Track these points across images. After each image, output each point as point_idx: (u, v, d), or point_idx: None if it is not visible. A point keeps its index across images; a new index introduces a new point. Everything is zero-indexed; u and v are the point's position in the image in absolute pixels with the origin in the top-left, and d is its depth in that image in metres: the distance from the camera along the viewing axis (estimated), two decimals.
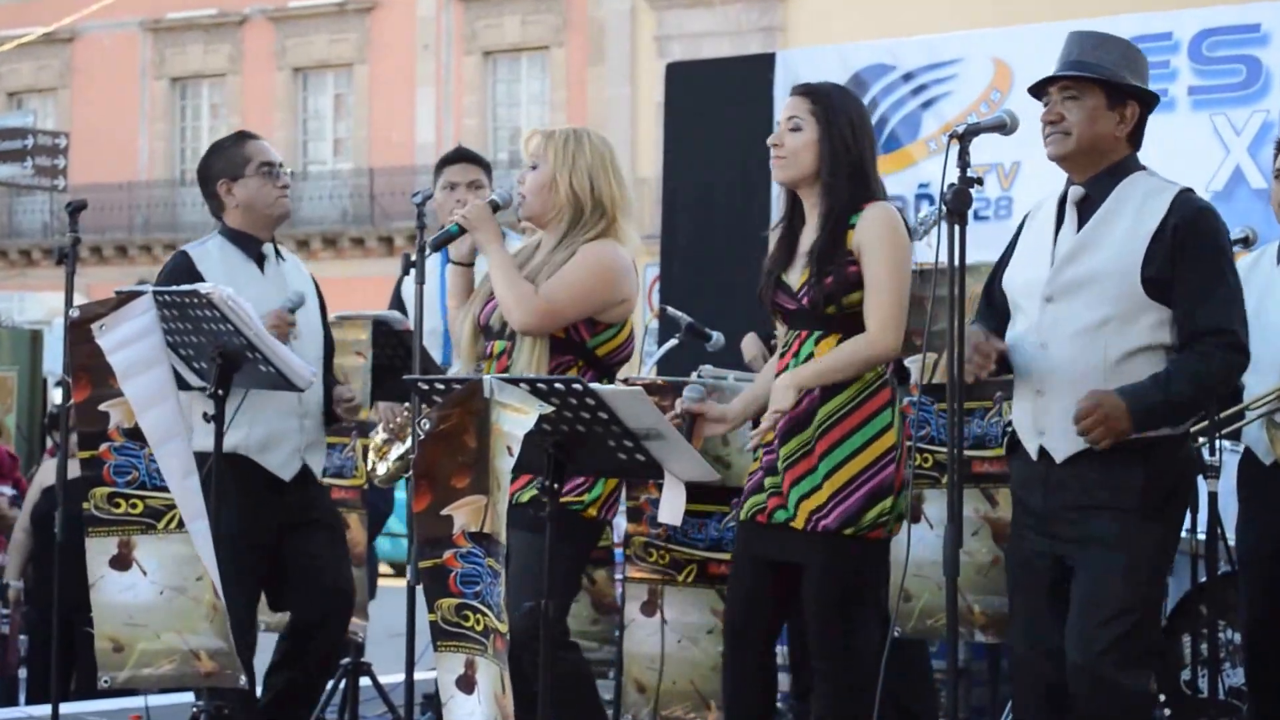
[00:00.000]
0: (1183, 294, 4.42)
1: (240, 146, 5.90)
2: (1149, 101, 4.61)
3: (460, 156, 6.84)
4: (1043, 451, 4.54)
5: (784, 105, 4.94)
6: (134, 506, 5.42)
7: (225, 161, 5.89)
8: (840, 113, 4.87)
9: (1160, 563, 4.56)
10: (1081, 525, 4.46)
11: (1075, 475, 4.47)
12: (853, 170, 4.85)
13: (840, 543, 4.73)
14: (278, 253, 5.97)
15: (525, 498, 4.94)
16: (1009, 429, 4.72)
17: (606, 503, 5.04)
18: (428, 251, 5.43)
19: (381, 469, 6.24)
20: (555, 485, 4.48)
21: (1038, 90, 4.64)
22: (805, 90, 4.93)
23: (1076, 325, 4.48)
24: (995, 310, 4.77)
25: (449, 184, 6.68)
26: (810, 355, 4.80)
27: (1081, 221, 4.54)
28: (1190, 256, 4.42)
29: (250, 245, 5.91)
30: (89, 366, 5.36)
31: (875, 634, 4.85)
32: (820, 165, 4.85)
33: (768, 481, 4.83)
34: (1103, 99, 4.54)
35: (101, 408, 5.39)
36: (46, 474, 9.99)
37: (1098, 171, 4.55)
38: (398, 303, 6.79)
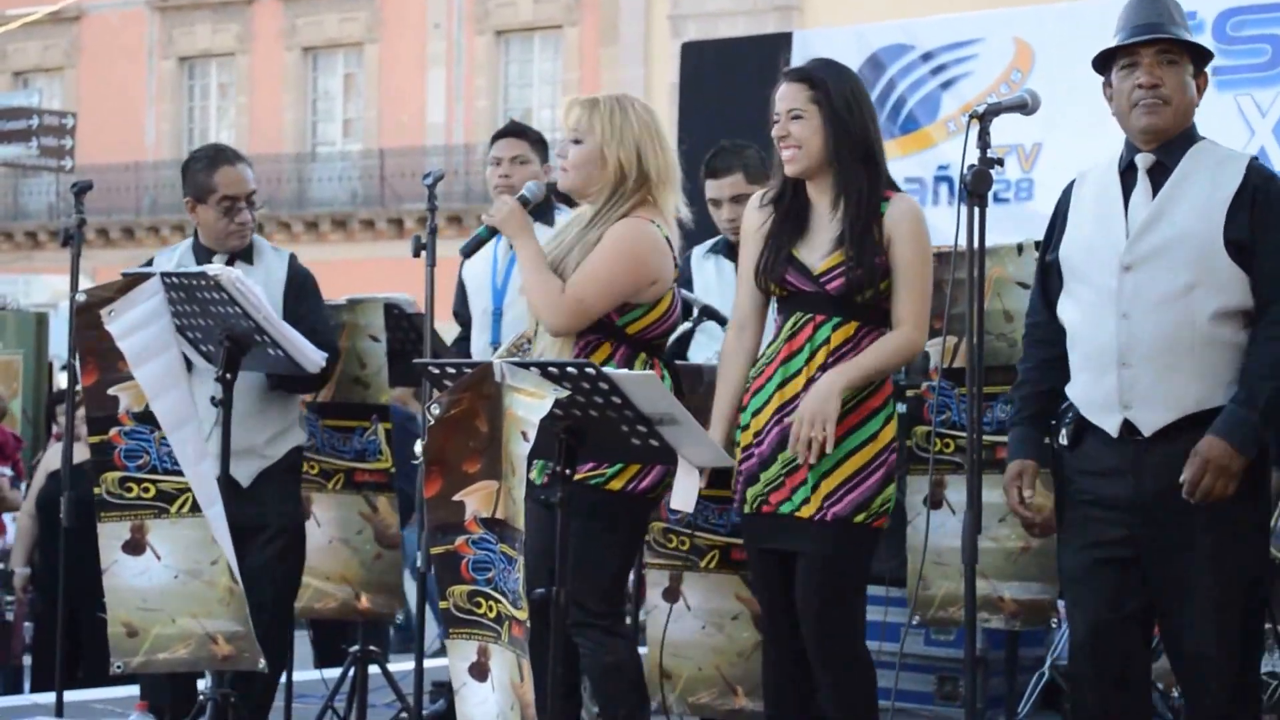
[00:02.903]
0: (1260, 262, 4.38)
1: (210, 173, 5.92)
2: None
3: (506, 131, 6.61)
4: (1125, 429, 4.44)
5: (779, 94, 4.85)
6: (146, 490, 5.44)
7: (194, 183, 5.95)
8: (838, 94, 4.80)
9: (1257, 545, 4.51)
10: (1181, 511, 4.36)
11: (1171, 453, 4.38)
12: (861, 151, 4.80)
13: (851, 529, 4.72)
14: (238, 257, 5.92)
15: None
16: (1066, 423, 4.61)
17: (637, 476, 4.93)
18: (462, 258, 5.37)
19: None
20: (568, 471, 4.48)
21: (1106, 57, 4.52)
22: (799, 76, 4.86)
23: (1161, 292, 4.39)
24: (1049, 296, 4.67)
25: (494, 159, 6.57)
26: (826, 341, 4.76)
27: (1155, 189, 4.47)
28: (1266, 224, 4.39)
29: (205, 257, 5.93)
30: (96, 350, 5.38)
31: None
32: (828, 151, 4.81)
33: (763, 475, 4.80)
34: (1190, 66, 4.49)
35: (110, 392, 5.41)
36: (52, 459, 9.99)
37: (1169, 139, 4.49)
38: (461, 288, 6.70)
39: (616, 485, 4.89)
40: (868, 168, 4.80)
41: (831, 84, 4.82)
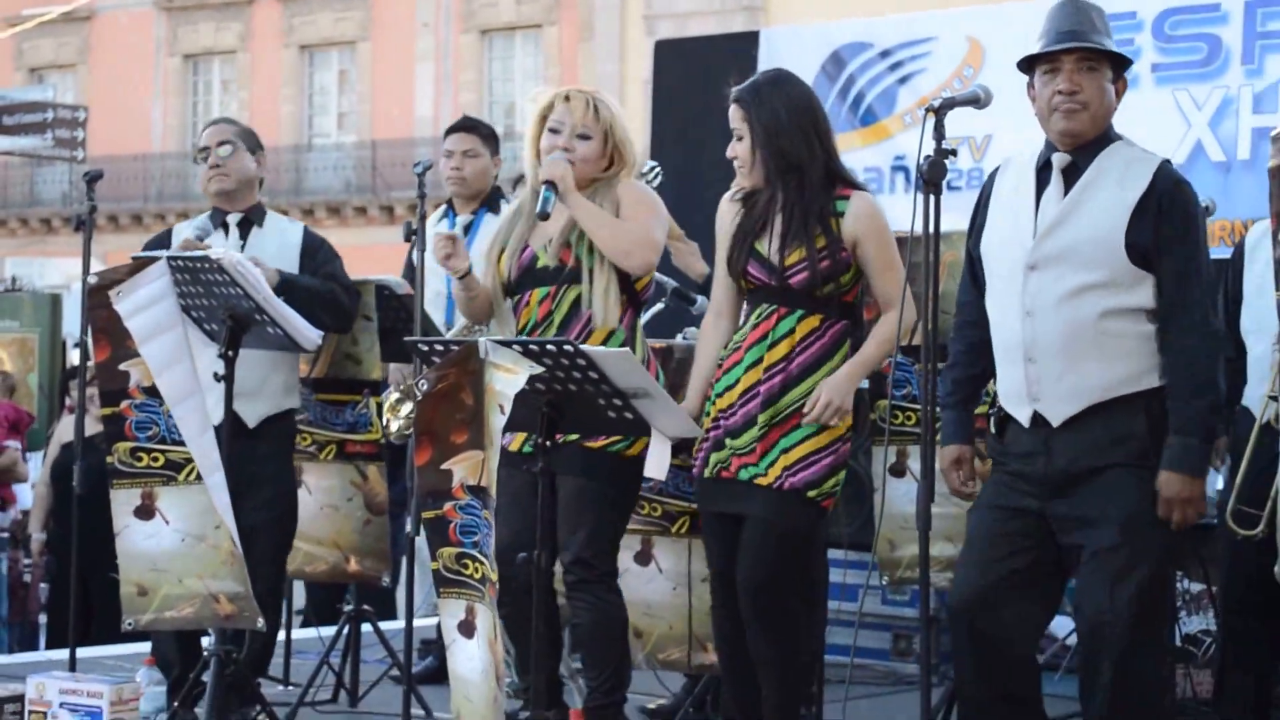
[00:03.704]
0: (1164, 269, 4.32)
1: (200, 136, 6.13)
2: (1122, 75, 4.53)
3: (457, 126, 6.82)
4: (1036, 418, 4.39)
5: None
6: (155, 460, 5.43)
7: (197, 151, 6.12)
8: (758, 115, 4.81)
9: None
10: (1089, 484, 4.31)
11: (1078, 437, 4.33)
12: (792, 165, 4.80)
13: (802, 501, 4.70)
14: (251, 221, 5.99)
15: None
16: (993, 410, 4.59)
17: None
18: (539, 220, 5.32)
19: (394, 425, 6.24)
20: (548, 442, 4.48)
21: (1029, 63, 4.46)
22: (737, 97, 4.88)
23: (1060, 291, 4.33)
24: (979, 280, 4.62)
25: (446, 152, 6.73)
26: (790, 332, 4.76)
27: (1068, 188, 4.41)
28: (1171, 231, 4.32)
29: (219, 216, 6.00)
30: (108, 329, 5.37)
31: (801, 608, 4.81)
32: (765, 167, 4.82)
33: (729, 442, 4.77)
34: (1110, 72, 4.43)
35: (121, 367, 5.41)
36: (65, 430, 9.99)
37: (1086, 142, 4.42)
38: (410, 270, 6.73)
39: (634, 451, 4.89)
40: (798, 179, 4.78)
41: (755, 106, 4.83)
